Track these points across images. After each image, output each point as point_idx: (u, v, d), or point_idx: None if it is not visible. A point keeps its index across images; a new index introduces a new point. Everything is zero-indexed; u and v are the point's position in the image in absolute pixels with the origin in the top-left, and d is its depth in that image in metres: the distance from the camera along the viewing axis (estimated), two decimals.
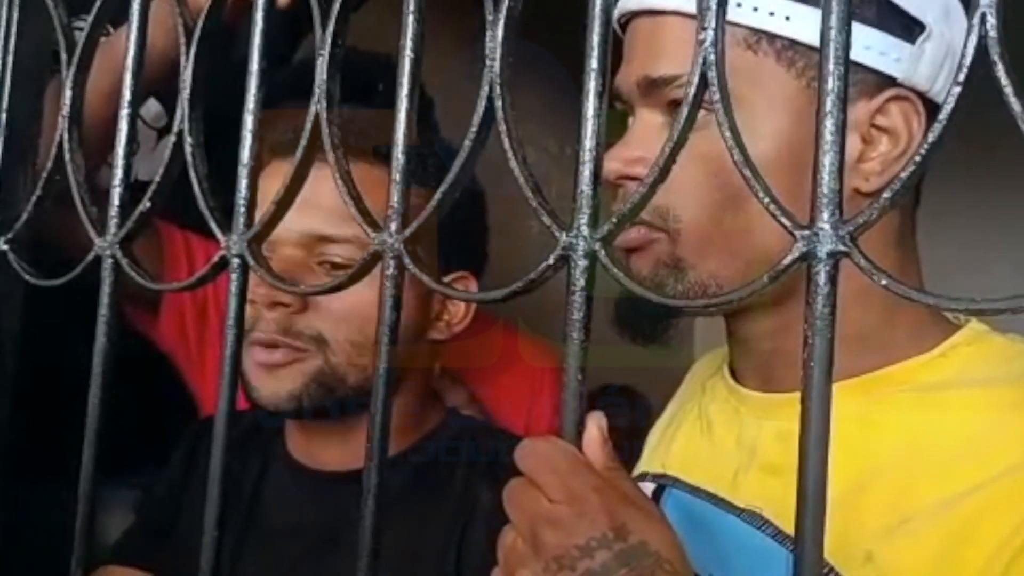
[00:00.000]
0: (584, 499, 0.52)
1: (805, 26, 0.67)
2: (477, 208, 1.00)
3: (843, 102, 0.40)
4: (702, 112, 0.68)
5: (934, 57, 0.69)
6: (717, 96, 0.42)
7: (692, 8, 0.67)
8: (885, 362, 0.70)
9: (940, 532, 0.62)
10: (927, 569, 0.62)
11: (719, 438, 0.80)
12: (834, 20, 0.40)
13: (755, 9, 0.68)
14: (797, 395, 0.68)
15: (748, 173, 0.41)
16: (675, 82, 0.69)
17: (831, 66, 0.40)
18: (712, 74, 0.42)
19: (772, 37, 0.68)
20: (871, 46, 0.68)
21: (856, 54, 0.67)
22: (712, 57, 0.43)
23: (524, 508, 0.53)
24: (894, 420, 0.68)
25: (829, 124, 0.40)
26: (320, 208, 0.85)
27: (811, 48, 0.67)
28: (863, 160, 0.68)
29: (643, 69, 0.71)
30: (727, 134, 0.43)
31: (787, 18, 0.68)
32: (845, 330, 0.69)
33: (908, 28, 0.69)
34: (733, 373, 0.80)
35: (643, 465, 0.88)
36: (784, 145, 0.68)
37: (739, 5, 0.68)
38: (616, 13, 0.75)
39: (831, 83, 0.40)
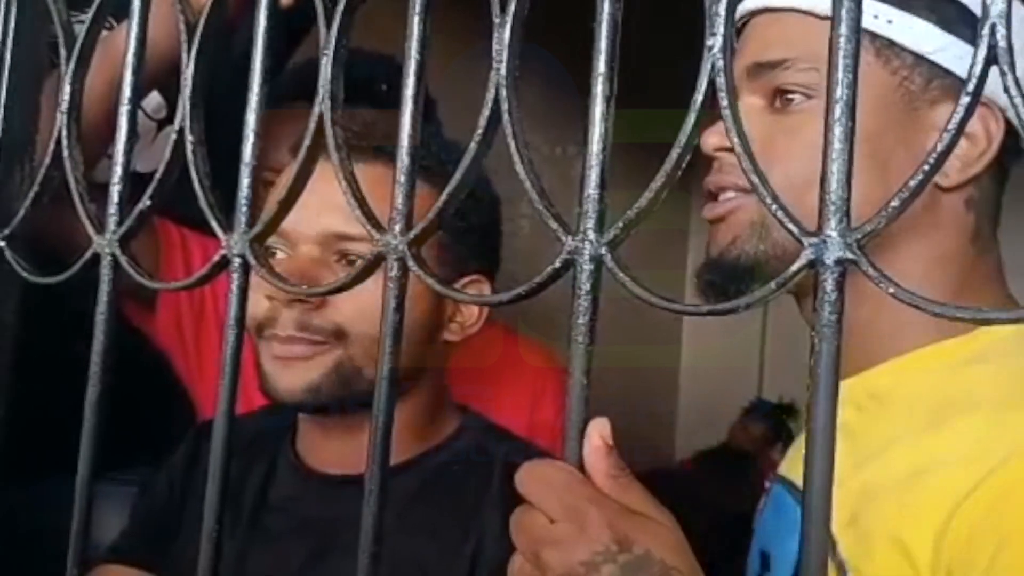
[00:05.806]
0: (582, 513, 0.51)
1: (904, 31, 0.74)
2: (494, 210, 1.00)
3: (852, 110, 0.40)
4: (800, 96, 0.76)
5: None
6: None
7: (807, 5, 0.75)
8: (937, 339, 0.75)
9: (903, 499, 0.69)
10: (892, 521, 0.68)
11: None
12: (844, 28, 0.40)
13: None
14: (854, 379, 0.75)
15: (756, 180, 0.41)
16: (780, 65, 0.75)
17: (840, 74, 0.40)
18: (721, 80, 0.42)
19: (874, 36, 0.74)
20: (945, 48, 0.74)
21: (937, 57, 0.74)
22: (720, 63, 0.43)
23: (526, 531, 0.53)
24: (905, 394, 0.75)
25: (838, 132, 0.40)
26: (338, 207, 0.84)
27: (908, 51, 0.74)
28: None
29: (753, 57, 0.78)
30: (735, 139, 0.43)
31: (889, 21, 0.75)
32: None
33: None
34: None
35: None
36: (864, 136, 0.75)
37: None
38: (737, 14, 0.82)
39: (840, 91, 0.40)
